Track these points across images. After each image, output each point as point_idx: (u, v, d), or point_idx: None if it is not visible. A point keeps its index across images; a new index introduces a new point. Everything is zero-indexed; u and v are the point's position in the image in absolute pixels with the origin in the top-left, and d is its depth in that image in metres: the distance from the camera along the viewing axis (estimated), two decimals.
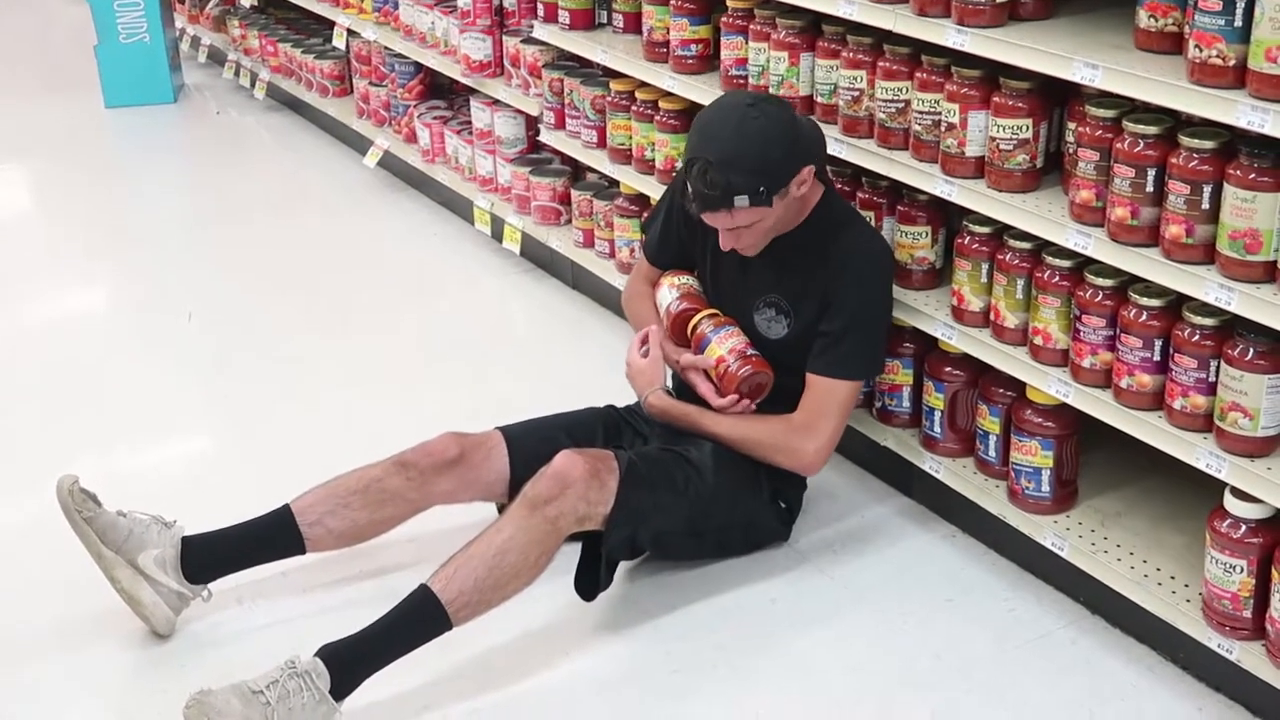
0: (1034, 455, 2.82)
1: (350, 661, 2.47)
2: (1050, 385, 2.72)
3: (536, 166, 4.45)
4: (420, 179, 5.27)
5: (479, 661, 2.72)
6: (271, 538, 2.84)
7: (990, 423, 2.94)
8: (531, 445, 2.89)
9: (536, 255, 4.62)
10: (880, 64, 2.94)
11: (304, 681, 2.40)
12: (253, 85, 6.52)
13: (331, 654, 2.47)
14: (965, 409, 3.02)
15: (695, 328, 3.01)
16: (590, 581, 2.80)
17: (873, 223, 3.09)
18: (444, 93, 5.26)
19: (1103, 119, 2.52)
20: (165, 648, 2.78)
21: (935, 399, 3.04)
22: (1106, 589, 2.74)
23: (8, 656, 2.79)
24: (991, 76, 2.75)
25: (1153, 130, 2.42)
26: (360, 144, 5.59)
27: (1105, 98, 2.55)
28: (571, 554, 2.80)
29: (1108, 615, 2.83)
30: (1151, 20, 2.45)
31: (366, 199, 5.38)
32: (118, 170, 6.03)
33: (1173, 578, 2.67)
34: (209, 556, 2.81)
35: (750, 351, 2.94)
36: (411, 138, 5.17)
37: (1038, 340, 2.73)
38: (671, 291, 3.10)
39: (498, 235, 4.66)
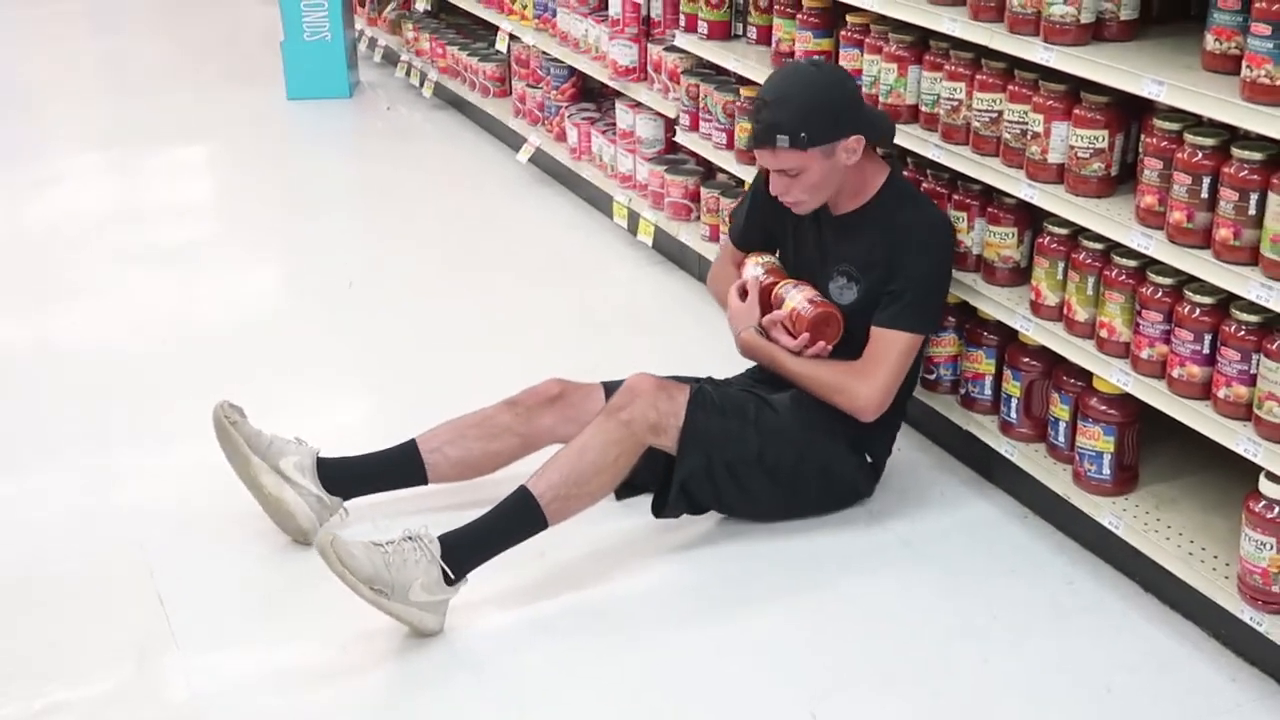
0: (1097, 440, 3.07)
1: (460, 545, 2.88)
2: (1113, 374, 2.97)
3: (672, 165, 4.80)
4: (567, 176, 5.67)
5: (568, 571, 3.13)
6: (397, 463, 3.25)
7: (1061, 410, 3.19)
8: None
9: (667, 249, 4.97)
10: (978, 77, 3.23)
11: (418, 544, 2.83)
12: (421, 84, 7.01)
13: (445, 537, 2.88)
14: (1040, 397, 3.28)
15: (775, 293, 3.34)
16: (661, 501, 3.16)
17: (964, 223, 3.37)
18: (593, 96, 5.65)
19: (1167, 131, 2.78)
20: (308, 552, 3.17)
21: (1013, 387, 3.30)
22: (1160, 569, 2.97)
23: (177, 556, 3.26)
24: (1074, 91, 3.01)
25: (1209, 142, 2.67)
26: (515, 141, 6.02)
27: (1173, 113, 2.80)
28: (672, 524, 3.20)
29: (1159, 593, 3.05)
30: (1217, 43, 2.69)
31: (517, 191, 5.80)
32: (295, 155, 6.56)
33: (1216, 557, 2.90)
34: (341, 474, 3.22)
35: (818, 298, 3.26)
36: (561, 136, 5.57)
37: (1103, 333, 2.99)
38: (756, 268, 3.43)
39: (633, 229, 5.02)
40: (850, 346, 3.23)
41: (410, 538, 2.85)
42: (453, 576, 2.85)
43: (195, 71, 7.87)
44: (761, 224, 3.47)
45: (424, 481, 3.28)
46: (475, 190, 5.90)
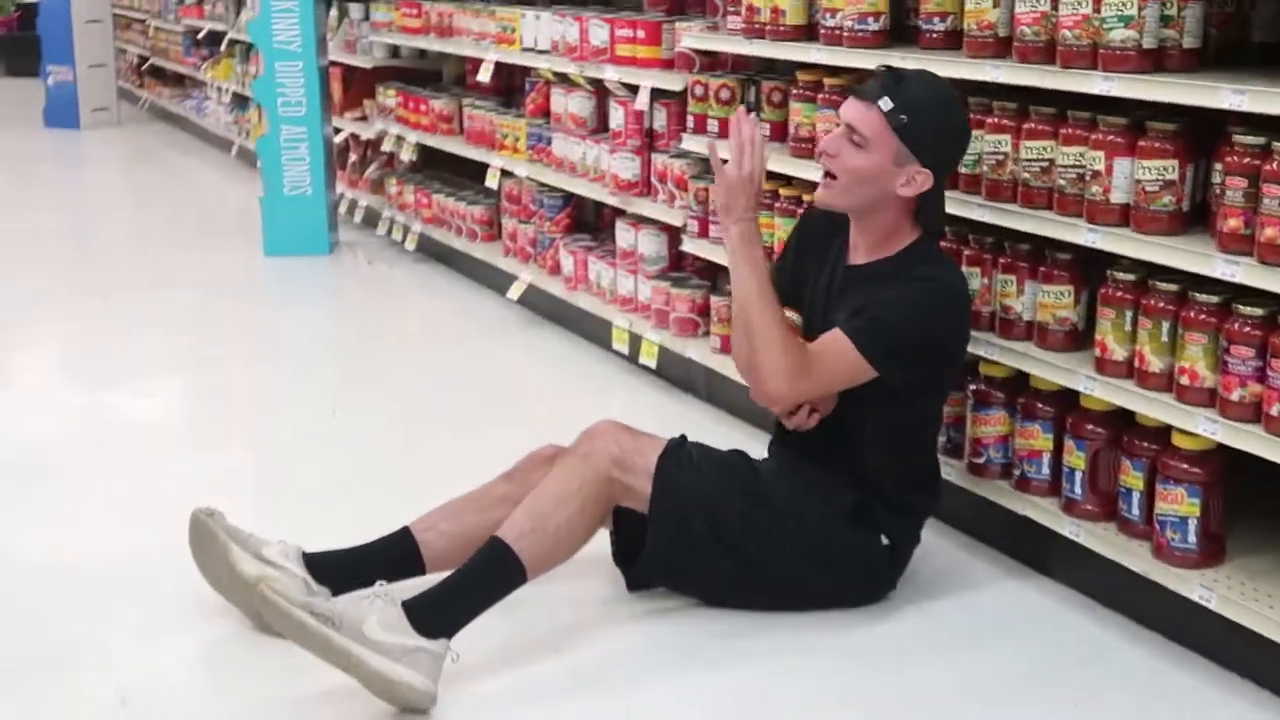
0: (1180, 504, 2.77)
1: (428, 606, 2.63)
2: (1198, 424, 2.69)
3: (676, 281, 4.58)
4: (560, 313, 5.43)
5: (550, 636, 2.93)
6: (389, 550, 2.98)
7: (1134, 478, 2.89)
8: None
9: (671, 371, 4.70)
10: (1025, 126, 3.04)
11: (375, 597, 2.64)
12: (404, 239, 6.82)
13: (409, 601, 2.63)
14: (1108, 468, 2.98)
15: None
16: (632, 569, 3.04)
17: (1014, 287, 3.14)
18: (589, 229, 5.47)
19: (1251, 146, 2.57)
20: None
21: (1076, 458, 3.00)
22: (1260, 649, 2.63)
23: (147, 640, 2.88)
24: (1137, 124, 2.82)
25: None
26: (503, 284, 5.79)
27: (1252, 131, 2.60)
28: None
29: (1261, 679, 2.71)
30: None
31: (507, 333, 5.53)
32: (271, 305, 6.31)
33: None
34: (328, 566, 2.92)
35: None
36: (555, 269, 5.35)
37: (1184, 380, 2.72)
38: None
39: (634, 354, 4.76)
40: (842, 410, 2.98)
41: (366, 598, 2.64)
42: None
43: (169, 238, 7.68)
44: (790, 275, 3.20)
45: (420, 571, 2.96)
46: (459, 335, 5.64)
